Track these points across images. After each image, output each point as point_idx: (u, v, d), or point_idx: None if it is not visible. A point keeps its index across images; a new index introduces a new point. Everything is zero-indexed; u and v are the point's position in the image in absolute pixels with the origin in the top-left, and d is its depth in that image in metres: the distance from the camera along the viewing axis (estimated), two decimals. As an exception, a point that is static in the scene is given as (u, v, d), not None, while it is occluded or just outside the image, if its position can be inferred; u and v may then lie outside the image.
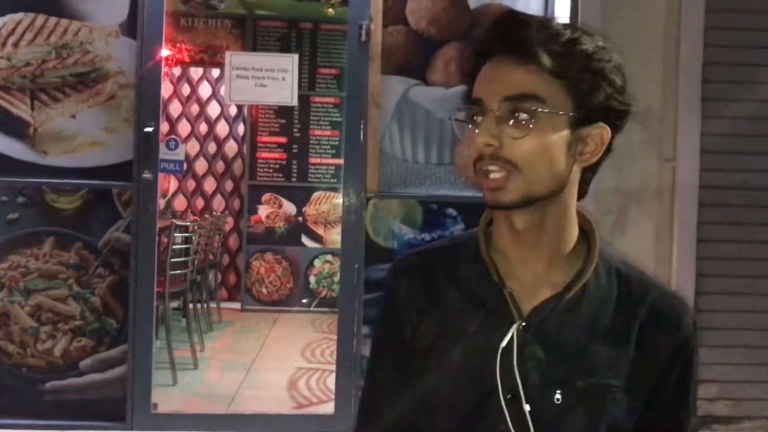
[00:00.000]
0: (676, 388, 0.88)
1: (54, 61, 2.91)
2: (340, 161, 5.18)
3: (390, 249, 2.91)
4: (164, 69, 3.79)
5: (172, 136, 5.03)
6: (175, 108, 6.14)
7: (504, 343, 0.83)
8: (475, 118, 0.83)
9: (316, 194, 5.83)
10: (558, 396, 0.83)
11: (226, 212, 6.16)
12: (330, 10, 3.23)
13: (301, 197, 5.82)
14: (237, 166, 6.23)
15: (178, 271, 3.98)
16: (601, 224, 2.80)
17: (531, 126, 0.79)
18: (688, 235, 2.81)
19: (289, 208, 5.83)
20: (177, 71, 6.07)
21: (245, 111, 5.97)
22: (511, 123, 0.80)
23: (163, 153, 3.20)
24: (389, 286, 0.96)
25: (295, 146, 5.82)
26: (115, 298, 2.92)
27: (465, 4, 2.92)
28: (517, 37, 0.80)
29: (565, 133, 0.81)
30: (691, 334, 0.88)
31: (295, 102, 3.15)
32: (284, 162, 5.83)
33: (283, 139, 5.83)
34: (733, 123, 2.80)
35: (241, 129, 6.16)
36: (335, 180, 5.68)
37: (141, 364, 2.88)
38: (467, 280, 0.89)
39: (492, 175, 0.81)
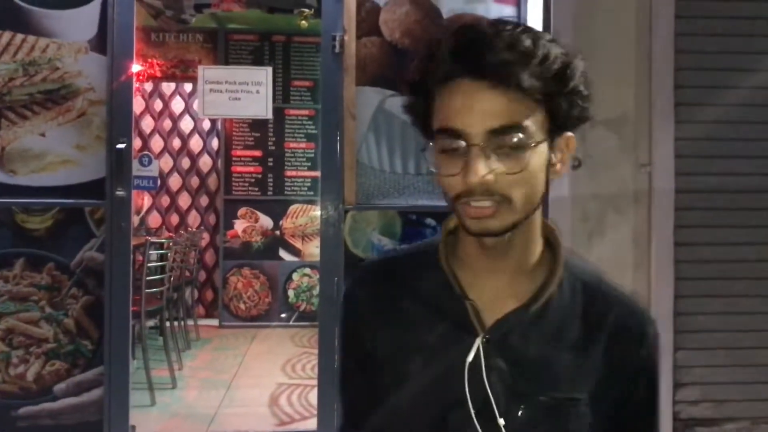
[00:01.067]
0: (641, 402, 0.88)
1: (21, 78, 2.84)
2: (317, 173, 5.17)
3: (370, 261, 2.88)
4: (136, 84, 3.74)
5: (146, 152, 4.97)
6: (147, 123, 6.07)
7: (470, 358, 0.82)
8: (452, 149, 0.78)
9: (292, 207, 5.79)
10: (522, 410, 0.81)
11: (202, 228, 6.09)
12: (303, 22, 3.22)
13: (277, 211, 5.79)
14: (212, 181, 6.18)
15: (153, 289, 3.91)
16: (579, 231, 2.82)
17: (520, 158, 0.76)
18: (666, 238, 2.83)
19: (266, 222, 5.78)
20: (149, 87, 6.00)
21: (219, 125, 5.93)
22: (498, 156, 0.76)
23: (137, 169, 3.15)
24: (347, 296, 0.95)
25: (270, 159, 5.79)
26: (90, 319, 2.84)
27: (438, 14, 2.93)
28: (492, 60, 0.75)
29: (546, 153, 0.80)
30: (655, 348, 0.88)
31: (270, 115, 3.13)
32: (260, 175, 5.80)
33: (258, 153, 5.80)
34: (706, 127, 2.84)
35: (215, 143, 6.11)
36: (312, 192, 5.66)
37: (118, 385, 2.81)
38: (427, 290, 0.87)
39: (481, 205, 0.77)
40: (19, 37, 2.83)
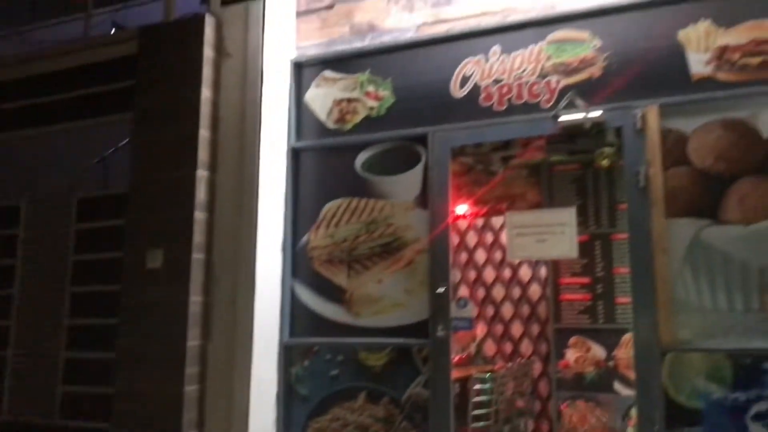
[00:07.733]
0: None
1: (365, 235, 3.39)
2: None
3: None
4: (468, 220, 4.01)
5: (462, 296, 5.31)
6: (480, 256, 6.49)
7: None
8: None
9: (625, 336, 5.47)
10: None
11: (534, 357, 6.10)
12: (604, 161, 3.21)
13: (610, 340, 5.51)
14: (542, 309, 6.21)
15: (479, 423, 4.03)
16: None
17: None
18: None
19: (598, 351, 5.55)
20: (481, 221, 6.47)
21: (545, 254, 6.01)
22: None
23: (454, 311, 3.39)
24: None
25: (599, 286, 5.63)
26: (417, 452, 3.07)
27: (757, 135, 2.67)
28: None
29: None
30: None
31: (575, 254, 3.12)
32: (589, 303, 5.65)
33: (586, 280, 5.69)
34: None
35: (543, 272, 6.20)
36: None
37: None
38: None
39: None
40: (363, 201, 3.41)
